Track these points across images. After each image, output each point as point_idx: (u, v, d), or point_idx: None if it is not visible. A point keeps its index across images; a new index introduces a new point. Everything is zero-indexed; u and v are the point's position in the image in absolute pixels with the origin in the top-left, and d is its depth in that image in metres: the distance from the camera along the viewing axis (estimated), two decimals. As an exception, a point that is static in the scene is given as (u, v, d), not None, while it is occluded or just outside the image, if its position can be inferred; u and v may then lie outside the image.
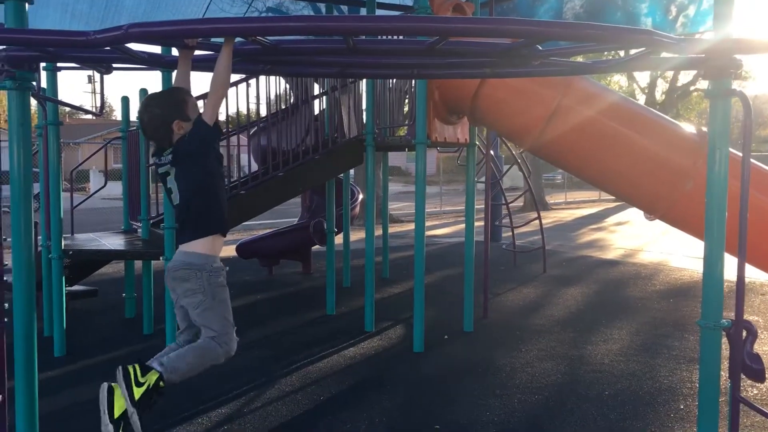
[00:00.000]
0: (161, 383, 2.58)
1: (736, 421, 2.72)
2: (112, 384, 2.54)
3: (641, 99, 26.57)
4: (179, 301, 2.74)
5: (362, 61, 2.55)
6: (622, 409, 4.02)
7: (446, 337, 5.67)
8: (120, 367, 2.55)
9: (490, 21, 2.55)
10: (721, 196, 2.78)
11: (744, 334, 2.84)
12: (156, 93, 2.65)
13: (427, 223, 16.78)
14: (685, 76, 25.02)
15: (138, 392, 2.48)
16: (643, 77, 26.87)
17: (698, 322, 2.86)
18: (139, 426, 2.47)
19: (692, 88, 25.03)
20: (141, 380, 2.50)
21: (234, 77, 4.91)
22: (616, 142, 4.80)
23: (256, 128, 6.57)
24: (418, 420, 3.87)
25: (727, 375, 2.91)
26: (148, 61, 2.53)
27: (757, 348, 5.25)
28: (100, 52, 2.44)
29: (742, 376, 2.83)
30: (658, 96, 26.07)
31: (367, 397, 4.25)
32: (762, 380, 2.78)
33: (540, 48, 2.33)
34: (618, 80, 26.43)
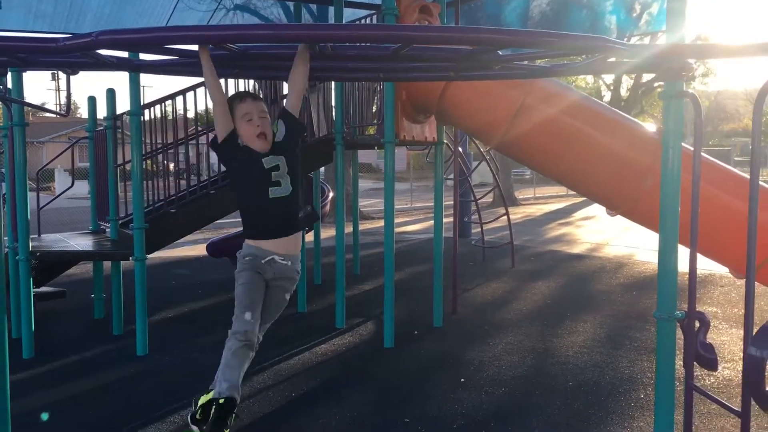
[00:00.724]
0: (221, 401, 2.84)
1: (690, 408, 2.84)
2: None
3: (607, 95, 27.02)
4: (285, 291, 3.00)
5: (329, 65, 2.61)
6: (586, 399, 4.15)
7: (416, 332, 5.76)
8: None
9: (450, 29, 2.64)
10: (674, 191, 2.90)
11: (697, 324, 2.97)
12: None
13: (398, 220, 16.87)
14: (649, 74, 25.48)
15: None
16: (608, 75, 27.27)
17: (654, 313, 2.98)
18: None
19: (656, 84, 25.47)
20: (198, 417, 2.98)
21: (198, 79, 4.96)
22: (578, 140, 4.92)
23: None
24: (388, 414, 3.95)
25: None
26: (117, 66, 2.56)
27: (717, 338, 5.45)
28: (70, 57, 2.46)
29: (696, 365, 2.96)
30: (623, 92, 26.51)
31: (339, 393, 4.32)
32: (714, 369, 2.91)
33: (500, 53, 2.42)
34: (584, 77, 26.78)
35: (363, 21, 6.27)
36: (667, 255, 2.98)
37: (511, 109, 4.92)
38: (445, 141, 6.19)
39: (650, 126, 5.23)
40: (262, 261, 2.70)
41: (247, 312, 2.88)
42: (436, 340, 5.55)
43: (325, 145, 6.11)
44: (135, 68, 2.79)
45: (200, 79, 5.62)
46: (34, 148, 29.13)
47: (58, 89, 48.11)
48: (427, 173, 29.61)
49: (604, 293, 7.32)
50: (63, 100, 48.52)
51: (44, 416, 3.74)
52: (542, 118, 4.94)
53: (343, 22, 6.11)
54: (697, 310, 2.92)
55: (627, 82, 26.85)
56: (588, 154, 4.90)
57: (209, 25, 4.25)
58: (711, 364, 2.89)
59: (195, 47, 2.26)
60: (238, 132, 2.47)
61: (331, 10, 6.81)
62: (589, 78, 27.29)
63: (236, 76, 3.16)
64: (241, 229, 3.02)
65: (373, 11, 6.41)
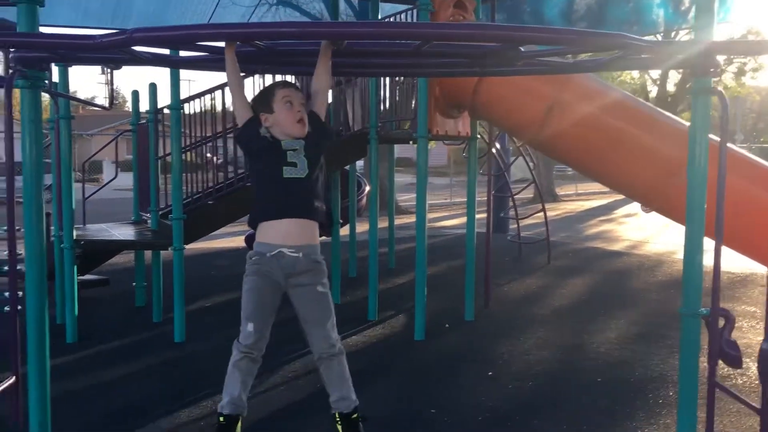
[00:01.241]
0: (221, 419, 2.93)
1: (712, 404, 2.83)
2: None
3: (653, 90, 26.46)
4: (315, 284, 2.73)
5: (353, 62, 2.68)
6: (613, 395, 4.14)
7: (447, 325, 5.81)
8: None
9: (470, 27, 2.68)
10: (700, 187, 2.89)
11: (722, 322, 2.95)
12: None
13: (437, 215, 16.90)
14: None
15: None
16: (655, 70, 26.75)
17: (679, 310, 2.98)
18: None
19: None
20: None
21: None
22: (613, 136, 4.89)
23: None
24: (413, 404, 4.01)
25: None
26: (153, 61, 2.67)
27: (754, 338, 5.37)
28: (108, 53, 2.58)
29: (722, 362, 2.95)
30: (671, 87, 25.97)
31: (366, 383, 4.39)
32: (738, 366, 2.88)
33: (522, 49, 2.45)
34: (629, 73, 26.31)
35: (399, 17, 6.30)
36: (692, 252, 2.96)
37: (545, 105, 4.92)
38: (480, 136, 6.19)
39: (682, 121, 5.16)
40: (269, 256, 2.49)
41: (250, 323, 2.72)
42: (466, 333, 5.59)
43: (360, 139, 6.19)
44: (171, 64, 2.90)
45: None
46: (83, 140, 29.98)
47: (107, 83, 49.39)
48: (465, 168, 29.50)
49: (640, 291, 7.24)
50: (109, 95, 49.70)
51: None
52: (578, 115, 4.91)
53: (379, 17, 6.17)
54: (727, 308, 2.90)
55: (674, 77, 26.31)
56: (623, 150, 4.86)
57: (235, 23, 4.35)
58: (735, 360, 2.86)
59: (223, 44, 2.35)
60: (265, 122, 2.49)
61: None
62: (635, 73, 26.78)
63: (265, 71, 3.24)
64: None
65: (411, 5, 6.43)
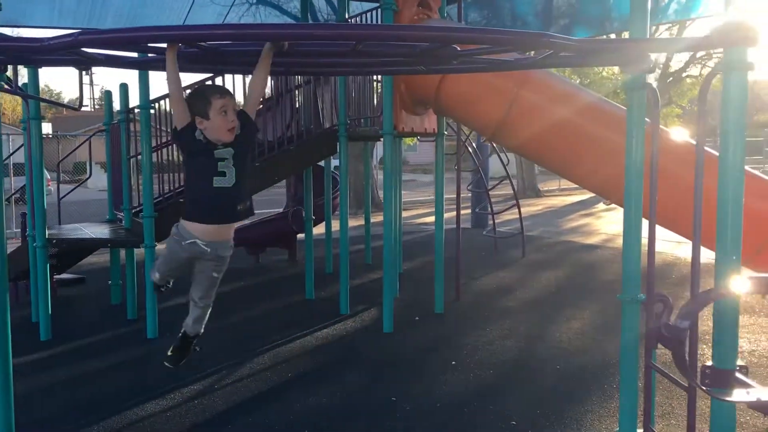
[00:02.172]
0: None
1: (649, 385, 2.97)
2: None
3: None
4: (212, 270, 3.00)
5: (301, 61, 2.79)
6: (570, 381, 4.28)
7: (417, 318, 5.93)
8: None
9: (401, 28, 2.79)
10: (637, 178, 3.03)
11: (661, 307, 3.08)
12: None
13: (419, 211, 16.95)
14: (677, 63, 25.17)
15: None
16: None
17: (618, 296, 3.11)
18: None
19: (685, 74, 25.18)
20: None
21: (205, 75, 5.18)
22: (572, 132, 5.01)
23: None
24: (378, 393, 4.14)
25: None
26: (105, 62, 2.77)
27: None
28: (60, 55, 2.67)
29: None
30: (651, 81, 26.15)
31: (334, 374, 4.52)
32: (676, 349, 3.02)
33: (458, 48, 2.56)
34: (610, 68, 26.51)
35: (365, 16, 6.40)
36: (630, 242, 3.11)
37: (505, 100, 5.04)
38: (445, 132, 6.32)
39: (678, 132, 5.25)
40: (184, 243, 2.85)
41: (156, 273, 3.18)
42: (434, 325, 5.71)
43: (330, 136, 6.29)
44: (124, 65, 2.99)
45: (207, 75, 5.85)
46: (67, 141, 29.85)
47: (91, 83, 49.24)
48: (452, 165, 29.65)
49: (609, 282, 7.39)
50: (97, 94, 49.62)
51: None
52: (537, 110, 5.04)
53: (347, 15, 6.27)
54: (677, 293, 3.04)
55: (655, 72, 26.52)
56: (582, 144, 4.99)
57: (177, 26, 4.47)
58: (673, 344, 3.00)
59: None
60: (199, 125, 2.62)
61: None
62: (616, 68, 26.98)
63: (219, 72, 3.35)
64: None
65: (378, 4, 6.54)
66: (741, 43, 2.48)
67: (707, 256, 2.80)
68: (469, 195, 12.82)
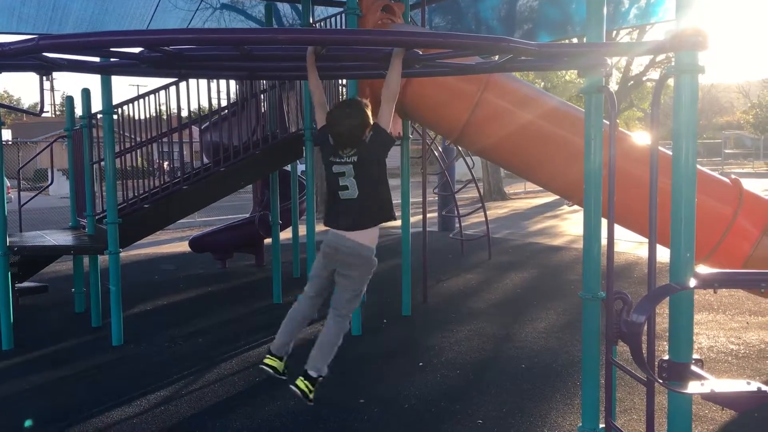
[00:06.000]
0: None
1: (610, 381, 3.04)
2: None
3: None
4: (335, 272, 3.01)
5: (264, 66, 2.81)
6: (535, 380, 4.35)
7: (385, 321, 5.96)
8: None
9: (365, 32, 2.83)
10: (596, 179, 3.10)
11: (621, 304, 3.16)
12: (350, 101, 2.91)
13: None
14: (637, 67, 25.70)
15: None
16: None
17: (580, 294, 3.18)
18: None
19: (645, 77, 25.70)
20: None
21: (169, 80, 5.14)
22: (536, 134, 5.11)
23: (207, 124, 6.72)
24: (345, 395, 4.15)
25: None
26: (68, 67, 2.75)
27: (658, 321, 5.63)
28: (21, 60, 2.66)
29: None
30: (612, 86, 26.67)
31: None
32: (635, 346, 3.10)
33: (420, 52, 2.61)
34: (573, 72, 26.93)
35: (330, 21, 6.44)
36: (590, 241, 3.18)
37: (469, 103, 5.11)
38: (410, 136, 6.37)
39: (639, 134, 5.40)
40: (326, 246, 2.92)
41: (307, 285, 3.18)
42: (402, 327, 5.75)
43: (296, 141, 6.30)
44: (87, 70, 2.98)
45: (171, 80, 5.82)
46: (28, 148, 29.28)
47: (52, 89, 48.35)
48: (419, 169, 29.78)
49: (573, 283, 7.51)
50: (58, 100, 48.77)
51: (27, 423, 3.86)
52: (500, 113, 5.13)
53: (312, 20, 6.29)
54: (638, 291, 3.12)
55: (616, 76, 27.02)
56: (544, 146, 5.08)
57: (137, 30, 4.44)
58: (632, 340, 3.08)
59: (135, 50, 2.45)
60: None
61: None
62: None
63: (186, 76, 3.34)
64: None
65: (343, 9, 6.57)
66: (692, 47, 2.55)
67: (667, 255, 2.88)
68: (436, 198, 12.98)
